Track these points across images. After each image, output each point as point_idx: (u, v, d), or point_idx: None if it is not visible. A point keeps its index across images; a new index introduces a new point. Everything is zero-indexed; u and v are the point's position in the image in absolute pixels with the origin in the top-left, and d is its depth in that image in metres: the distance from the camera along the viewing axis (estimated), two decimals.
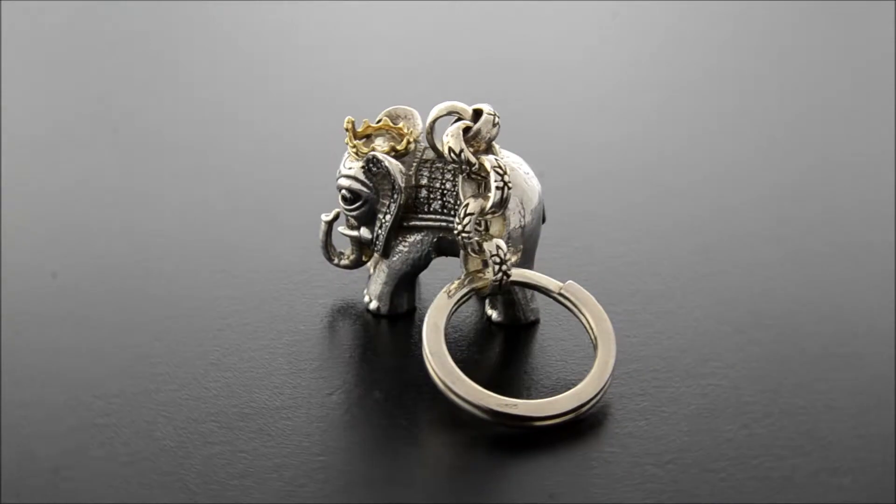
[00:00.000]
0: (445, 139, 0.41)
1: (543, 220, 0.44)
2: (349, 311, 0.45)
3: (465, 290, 0.41)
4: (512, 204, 0.42)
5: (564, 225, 0.50)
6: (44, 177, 0.55)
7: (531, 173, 0.43)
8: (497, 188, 0.41)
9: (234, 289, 0.46)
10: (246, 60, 0.73)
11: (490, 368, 0.42)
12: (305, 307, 0.45)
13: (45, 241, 0.50)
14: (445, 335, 0.41)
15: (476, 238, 0.41)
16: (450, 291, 0.41)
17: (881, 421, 0.39)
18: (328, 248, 0.45)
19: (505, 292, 0.43)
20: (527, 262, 0.43)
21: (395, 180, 0.42)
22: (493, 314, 0.44)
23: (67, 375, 0.41)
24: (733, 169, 0.58)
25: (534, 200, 0.43)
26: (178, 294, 0.46)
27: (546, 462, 0.37)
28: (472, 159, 0.41)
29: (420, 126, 0.44)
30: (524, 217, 0.42)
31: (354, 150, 0.43)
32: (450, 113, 0.43)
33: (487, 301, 0.44)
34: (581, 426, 0.39)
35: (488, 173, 0.41)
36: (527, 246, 0.43)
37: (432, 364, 0.39)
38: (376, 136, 0.44)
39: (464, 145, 0.41)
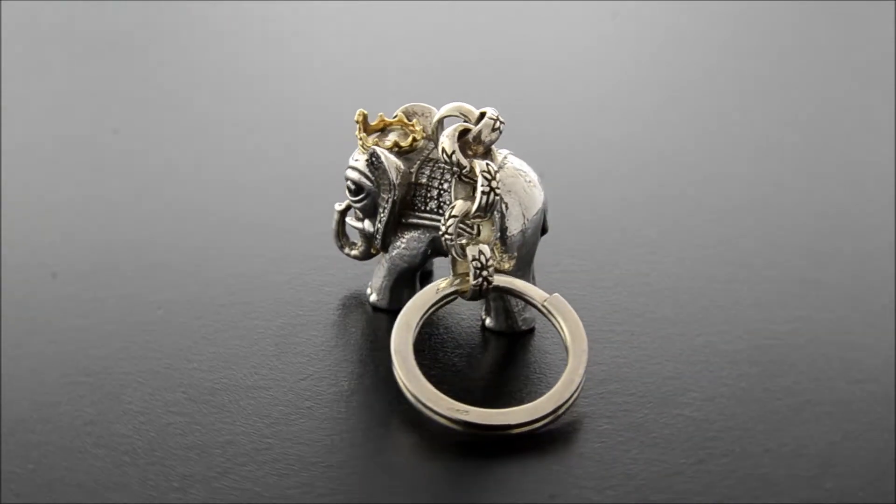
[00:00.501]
0: (441, 139, 0.41)
1: (545, 231, 0.44)
2: (351, 302, 0.46)
3: (448, 292, 0.42)
4: (509, 211, 0.42)
5: (566, 229, 0.50)
6: (44, 177, 0.56)
7: (534, 182, 0.43)
8: (482, 193, 0.41)
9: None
10: (257, 59, 0.74)
11: (466, 373, 0.42)
12: (310, 293, 0.46)
13: (45, 242, 0.51)
14: (429, 335, 0.41)
15: (461, 241, 0.41)
16: (436, 290, 0.42)
17: (840, 486, 0.37)
18: (340, 237, 0.46)
19: (497, 299, 0.43)
20: (522, 270, 0.43)
21: (389, 176, 0.42)
22: (488, 320, 0.44)
23: (68, 374, 0.41)
24: (735, 174, 0.57)
25: (532, 210, 0.42)
26: (188, 270, 0.48)
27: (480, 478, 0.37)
28: (464, 162, 0.41)
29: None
30: (520, 225, 0.42)
31: (361, 142, 0.44)
32: (458, 114, 0.43)
33: (483, 306, 0.44)
34: (530, 441, 0.38)
35: (477, 177, 0.41)
36: (521, 254, 0.43)
37: (395, 361, 0.40)
38: (391, 130, 0.44)
39: (456, 147, 0.41)
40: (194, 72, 0.70)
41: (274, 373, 0.41)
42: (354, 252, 0.46)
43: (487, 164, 0.41)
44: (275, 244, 0.50)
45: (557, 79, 0.69)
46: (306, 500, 0.35)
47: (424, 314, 0.41)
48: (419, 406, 0.39)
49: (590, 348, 0.41)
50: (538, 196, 0.43)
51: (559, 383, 0.39)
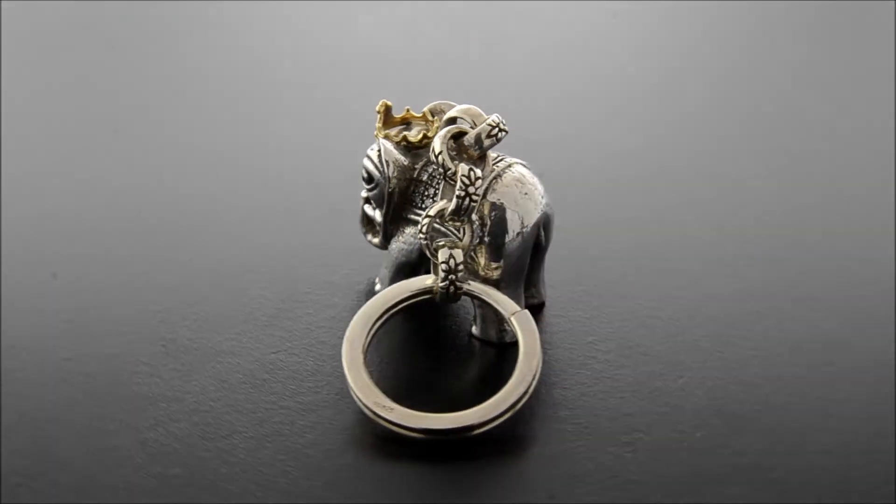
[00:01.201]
0: (434, 139, 0.42)
1: (544, 244, 0.44)
2: (359, 289, 0.47)
3: (417, 290, 0.42)
4: (496, 220, 0.42)
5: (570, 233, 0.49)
6: (44, 176, 0.56)
7: (532, 195, 0.42)
8: (457, 197, 0.41)
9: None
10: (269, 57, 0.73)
11: (428, 376, 0.42)
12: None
13: (45, 242, 0.51)
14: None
15: (440, 242, 0.42)
16: (409, 287, 0.42)
17: None
18: (364, 223, 0.47)
19: (482, 306, 0.43)
20: (510, 281, 0.43)
21: (383, 169, 0.43)
22: (474, 328, 0.44)
23: (69, 371, 0.42)
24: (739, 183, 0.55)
25: (524, 222, 0.42)
26: (191, 268, 0.48)
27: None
28: (449, 164, 0.42)
29: None
30: (507, 235, 0.42)
31: (376, 132, 0.45)
32: (465, 116, 0.43)
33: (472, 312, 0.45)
34: (531, 441, 0.39)
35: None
36: (508, 264, 0.42)
37: (343, 348, 0.41)
38: (414, 125, 0.45)
39: (445, 148, 0.42)
40: (196, 72, 0.70)
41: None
42: (375, 240, 0.47)
43: (470, 170, 0.41)
44: (288, 234, 0.51)
45: (559, 78, 0.69)
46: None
47: (391, 308, 0.42)
48: (352, 395, 0.40)
49: (551, 370, 0.41)
50: (532, 210, 0.42)
51: (491, 399, 0.39)
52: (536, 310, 0.45)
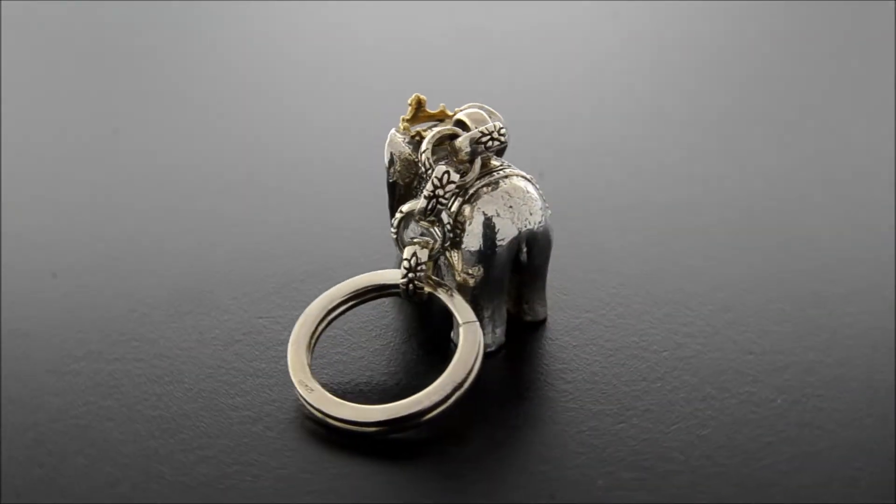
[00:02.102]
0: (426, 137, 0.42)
1: (525, 261, 0.42)
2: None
3: (382, 283, 0.42)
4: (471, 227, 0.41)
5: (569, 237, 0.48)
6: (44, 176, 0.56)
7: (516, 208, 0.41)
8: (425, 197, 0.40)
9: (277, 238, 0.49)
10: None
11: (388, 371, 0.42)
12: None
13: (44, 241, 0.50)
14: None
15: (413, 239, 0.41)
16: (376, 278, 0.42)
17: None
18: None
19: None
20: (486, 292, 0.41)
21: (385, 159, 0.43)
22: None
23: (69, 371, 0.42)
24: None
25: (502, 234, 0.40)
26: (191, 268, 0.48)
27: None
28: (430, 163, 0.41)
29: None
30: (478, 245, 0.40)
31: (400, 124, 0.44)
32: (469, 120, 0.42)
33: None
34: (529, 442, 0.38)
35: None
36: (480, 275, 0.41)
37: (296, 325, 0.41)
38: (443, 122, 0.44)
39: (430, 146, 0.41)
40: (197, 72, 0.69)
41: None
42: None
43: (445, 173, 0.40)
44: (288, 232, 0.50)
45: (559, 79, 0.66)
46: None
47: (357, 296, 0.42)
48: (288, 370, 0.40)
49: (551, 370, 0.41)
50: (509, 227, 0.40)
51: (402, 401, 0.38)
52: (532, 327, 0.43)
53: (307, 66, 0.67)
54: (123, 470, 0.37)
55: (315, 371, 0.41)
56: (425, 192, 0.40)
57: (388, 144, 0.43)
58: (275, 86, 0.64)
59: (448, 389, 0.38)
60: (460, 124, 0.42)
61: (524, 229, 0.41)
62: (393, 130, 0.43)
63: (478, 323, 0.40)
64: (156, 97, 0.63)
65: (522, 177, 0.42)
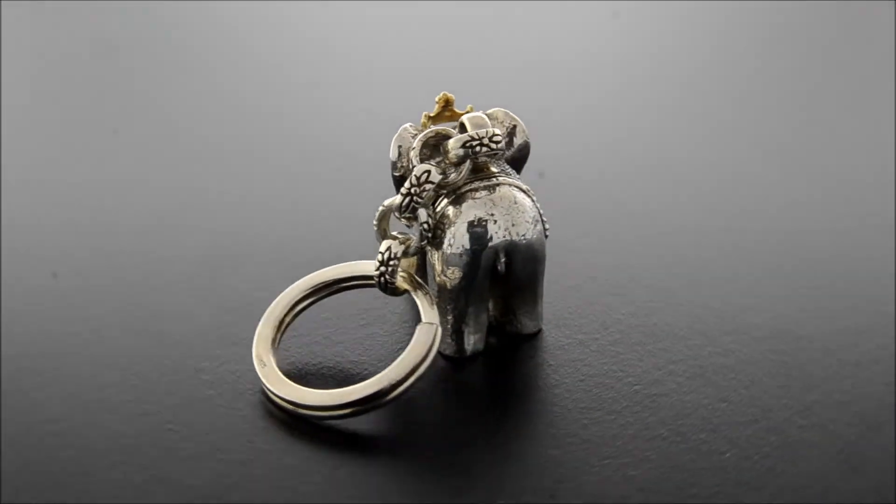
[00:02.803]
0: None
1: (502, 271, 0.41)
2: None
3: (359, 274, 0.42)
4: (449, 231, 0.40)
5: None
6: (44, 176, 0.56)
7: (496, 217, 0.40)
8: (402, 194, 0.40)
9: (280, 238, 0.50)
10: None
11: (361, 361, 0.42)
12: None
13: (45, 241, 0.51)
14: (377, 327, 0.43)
15: (394, 233, 0.41)
16: (356, 268, 0.42)
17: None
18: None
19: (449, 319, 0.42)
20: (461, 296, 0.41)
21: (393, 152, 0.43)
22: None
23: (69, 371, 0.42)
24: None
25: (475, 241, 0.40)
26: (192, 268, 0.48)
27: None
28: (415, 161, 0.41)
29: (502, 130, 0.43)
30: (451, 248, 0.40)
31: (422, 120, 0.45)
32: (471, 123, 0.41)
33: None
34: (529, 442, 0.38)
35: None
36: (451, 276, 0.40)
37: (272, 303, 0.42)
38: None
39: (420, 145, 0.41)
40: (196, 72, 0.68)
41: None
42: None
43: (426, 173, 0.40)
44: (288, 230, 0.51)
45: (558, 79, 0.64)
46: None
47: (335, 283, 0.42)
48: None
49: (551, 370, 0.41)
50: (487, 235, 0.40)
51: (342, 389, 0.39)
52: (519, 339, 0.43)
53: (325, 63, 0.68)
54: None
55: (290, 349, 0.42)
56: (402, 189, 0.40)
57: (397, 139, 0.43)
58: (289, 82, 0.65)
59: (381, 386, 0.38)
60: (462, 127, 0.42)
61: (503, 239, 0.40)
62: (406, 125, 0.43)
63: (437, 326, 0.40)
64: (155, 97, 0.64)
65: (517, 187, 0.41)
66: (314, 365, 0.42)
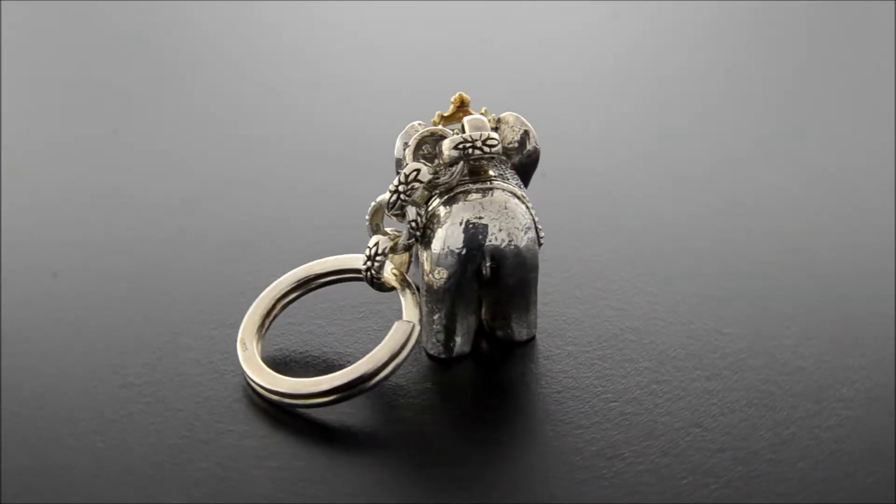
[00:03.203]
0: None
1: (486, 275, 0.40)
2: None
3: (347, 267, 0.43)
4: (437, 232, 0.40)
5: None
6: (44, 176, 0.56)
7: (486, 220, 0.40)
8: (390, 191, 0.40)
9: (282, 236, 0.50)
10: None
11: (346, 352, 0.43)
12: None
13: (44, 242, 0.50)
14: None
15: (386, 228, 0.42)
16: (346, 260, 0.43)
17: None
18: None
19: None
20: (447, 298, 0.41)
21: (398, 148, 0.43)
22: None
23: (69, 371, 0.42)
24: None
25: (462, 244, 0.40)
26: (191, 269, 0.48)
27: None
28: (409, 159, 0.41)
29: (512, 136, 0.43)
30: (438, 248, 0.40)
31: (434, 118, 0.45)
32: (469, 125, 0.41)
33: None
34: (529, 442, 0.39)
35: None
36: (437, 276, 0.40)
37: (264, 290, 0.43)
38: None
39: (415, 144, 0.41)
40: (197, 72, 0.67)
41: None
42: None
43: (415, 171, 0.40)
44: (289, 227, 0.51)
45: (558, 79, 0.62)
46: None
47: (325, 275, 0.43)
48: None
49: (552, 370, 0.41)
50: (472, 238, 0.40)
51: (316, 377, 0.39)
52: (508, 346, 0.43)
53: (335, 63, 0.68)
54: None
55: (282, 335, 0.43)
56: (391, 186, 0.40)
57: (403, 135, 0.43)
58: (293, 85, 0.65)
59: (347, 379, 0.39)
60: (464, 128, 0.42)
61: (489, 243, 0.40)
62: (414, 123, 0.44)
63: (414, 325, 0.40)
64: (156, 97, 0.64)
65: (512, 193, 0.41)
66: (300, 353, 0.42)
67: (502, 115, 0.44)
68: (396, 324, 0.40)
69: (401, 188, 0.40)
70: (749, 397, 0.40)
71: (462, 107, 0.44)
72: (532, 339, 0.43)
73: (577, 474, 0.37)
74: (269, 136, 0.59)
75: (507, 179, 0.42)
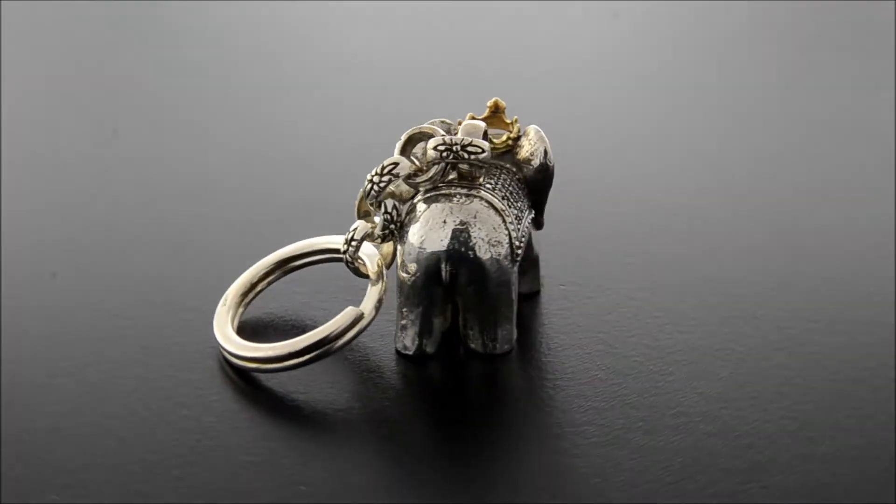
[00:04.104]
0: None
1: (445, 280, 0.40)
2: None
3: (330, 247, 0.44)
4: (410, 227, 0.41)
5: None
6: (44, 176, 0.56)
7: (448, 224, 0.40)
8: (367, 180, 0.41)
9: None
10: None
11: None
12: None
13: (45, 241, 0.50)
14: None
15: (364, 215, 0.42)
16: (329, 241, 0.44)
17: None
18: None
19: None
20: (413, 296, 0.41)
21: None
22: None
23: (69, 371, 0.42)
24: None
25: (427, 245, 0.40)
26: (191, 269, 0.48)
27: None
28: (395, 155, 0.41)
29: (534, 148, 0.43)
30: (415, 242, 0.40)
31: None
32: (465, 130, 0.41)
33: None
34: (529, 442, 0.38)
35: None
36: (413, 273, 0.41)
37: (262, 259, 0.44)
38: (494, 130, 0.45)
39: (404, 139, 0.41)
40: (196, 71, 0.67)
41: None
42: None
43: (393, 164, 0.41)
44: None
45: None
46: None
47: (307, 255, 0.44)
48: None
49: (552, 369, 0.41)
50: (432, 241, 0.40)
51: (277, 342, 0.40)
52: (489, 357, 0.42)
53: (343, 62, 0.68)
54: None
55: (269, 300, 0.44)
56: (368, 175, 0.41)
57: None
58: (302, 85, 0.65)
59: (277, 352, 0.40)
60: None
61: (447, 248, 0.40)
62: (436, 120, 0.43)
63: (361, 313, 0.40)
64: (156, 96, 0.64)
65: (491, 205, 0.41)
66: (280, 319, 0.43)
67: (527, 128, 0.44)
68: (347, 309, 0.40)
69: (375, 178, 0.41)
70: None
71: (496, 112, 0.44)
72: (504, 354, 0.42)
73: (576, 474, 0.37)
74: (270, 138, 0.60)
75: (497, 190, 0.41)
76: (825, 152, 0.57)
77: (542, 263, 0.45)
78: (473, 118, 0.43)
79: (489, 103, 0.44)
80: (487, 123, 0.43)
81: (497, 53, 0.70)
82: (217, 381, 0.41)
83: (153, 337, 0.43)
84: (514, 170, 0.43)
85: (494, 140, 0.43)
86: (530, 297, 0.45)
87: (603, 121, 0.61)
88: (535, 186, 0.43)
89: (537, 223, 0.44)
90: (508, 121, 0.43)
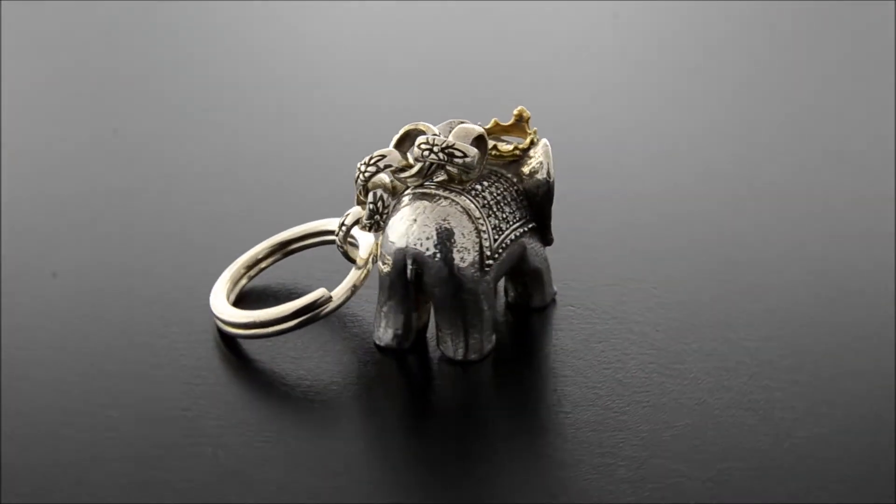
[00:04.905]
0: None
1: (411, 278, 0.41)
2: None
3: (326, 229, 0.45)
4: (389, 221, 0.41)
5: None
6: (44, 176, 0.56)
7: (419, 223, 0.40)
8: (356, 168, 0.41)
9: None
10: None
11: None
12: None
13: (45, 242, 0.50)
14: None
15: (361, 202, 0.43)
16: (325, 224, 0.46)
17: None
18: None
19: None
20: (385, 289, 0.41)
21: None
22: None
23: (69, 371, 0.42)
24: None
25: (394, 240, 0.41)
26: (190, 269, 0.48)
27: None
28: (390, 146, 0.42)
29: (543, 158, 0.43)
30: (394, 238, 0.41)
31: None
32: (462, 130, 0.41)
33: None
34: (530, 442, 0.39)
35: None
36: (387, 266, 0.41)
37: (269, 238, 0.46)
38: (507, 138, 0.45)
39: (399, 136, 0.42)
40: (196, 71, 0.67)
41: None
42: None
43: (381, 156, 0.41)
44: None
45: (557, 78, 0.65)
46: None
47: (305, 237, 0.46)
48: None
49: (553, 369, 0.41)
50: (399, 237, 0.40)
51: (237, 310, 0.42)
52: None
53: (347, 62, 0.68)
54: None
55: (263, 280, 0.46)
56: (358, 164, 0.41)
57: (439, 128, 0.43)
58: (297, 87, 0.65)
59: (250, 319, 0.41)
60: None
61: (413, 247, 0.40)
62: (452, 120, 0.43)
63: (329, 298, 0.41)
64: (156, 96, 0.64)
65: (465, 211, 0.41)
66: (279, 291, 0.45)
67: (540, 140, 0.43)
68: (318, 289, 0.41)
69: (361, 167, 0.41)
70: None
71: (520, 121, 0.44)
72: (476, 362, 0.42)
73: (577, 474, 0.37)
74: (271, 138, 0.60)
75: (480, 197, 0.41)
76: (825, 152, 0.57)
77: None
78: (498, 124, 0.44)
79: (514, 111, 0.44)
80: (509, 131, 0.44)
81: (494, 54, 0.70)
82: (217, 382, 0.41)
83: (154, 336, 0.43)
84: (515, 180, 0.43)
85: (500, 148, 0.43)
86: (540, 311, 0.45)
87: (609, 132, 0.61)
88: (534, 200, 0.43)
89: (544, 238, 0.44)
90: (529, 131, 0.43)
